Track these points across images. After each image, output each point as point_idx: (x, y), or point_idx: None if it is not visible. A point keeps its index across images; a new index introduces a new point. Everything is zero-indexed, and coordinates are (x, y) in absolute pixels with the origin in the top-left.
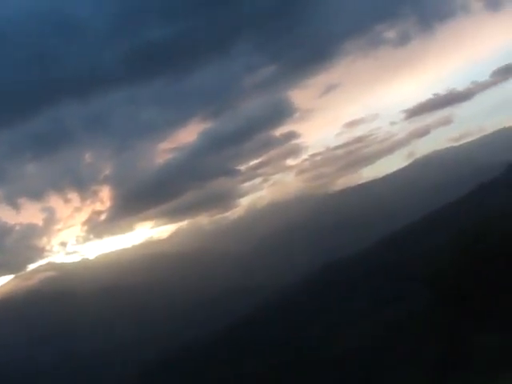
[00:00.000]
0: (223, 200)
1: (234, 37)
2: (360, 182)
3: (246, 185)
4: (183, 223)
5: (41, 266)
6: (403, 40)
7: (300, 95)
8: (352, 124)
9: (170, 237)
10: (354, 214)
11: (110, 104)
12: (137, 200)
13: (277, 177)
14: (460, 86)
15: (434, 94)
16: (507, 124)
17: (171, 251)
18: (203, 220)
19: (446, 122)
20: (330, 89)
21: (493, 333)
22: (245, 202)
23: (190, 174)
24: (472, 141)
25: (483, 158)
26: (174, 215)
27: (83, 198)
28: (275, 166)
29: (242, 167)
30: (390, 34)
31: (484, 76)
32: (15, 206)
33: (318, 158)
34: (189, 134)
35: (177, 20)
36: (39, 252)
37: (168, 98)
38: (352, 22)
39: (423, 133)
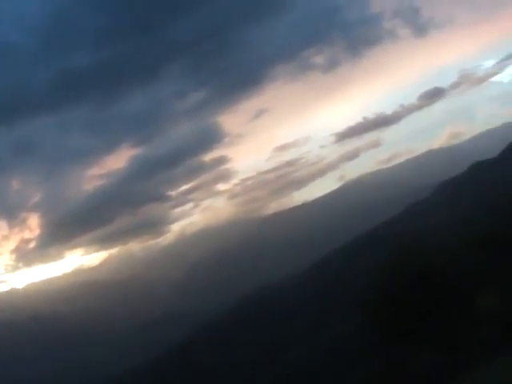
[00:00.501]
0: (154, 226)
1: (163, 62)
2: (292, 205)
3: (177, 210)
4: (114, 250)
5: None
6: (332, 65)
7: (230, 120)
8: (282, 148)
9: (102, 264)
10: (286, 237)
11: (38, 130)
12: (66, 227)
13: (208, 202)
14: (388, 109)
15: (363, 118)
16: (434, 146)
17: (103, 279)
18: (134, 246)
19: (375, 144)
20: (259, 113)
21: (425, 352)
22: (176, 228)
23: (120, 200)
24: (400, 163)
25: (412, 180)
26: (104, 242)
27: (11, 226)
28: (206, 191)
29: (173, 193)
30: (319, 58)
31: (411, 100)
32: None
33: (249, 182)
34: (118, 160)
35: (106, 45)
36: None
37: (97, 123)
38: (281, 47)
39: (353, 156)
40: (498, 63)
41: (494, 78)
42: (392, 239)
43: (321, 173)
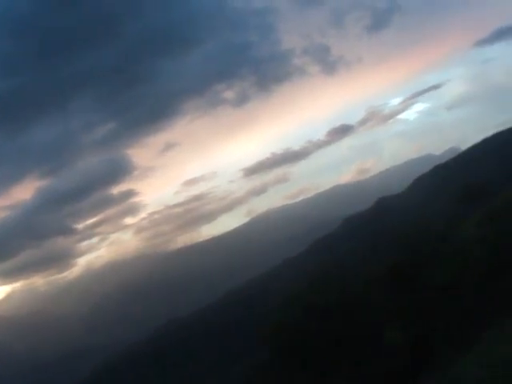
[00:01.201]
0: (60, 260)
1: (72, 93)
2: (200, 239)
3: (84, 244)
4: (18, 284)
5: None
6: (242, 100)
7: (139, 153)
8: (191, 182)
9: (4, 299)
10: (194, 271)
11: None
12: None
13: (115, 236)
14: (296, 145)
15: (272, 153)
16: (341, 181)
17: (5, 315)
18: (39, 281)
19: (283, 180)
20: (169, 147)
21: None
22: (82, 262)
23: (24, 233)
24: (308, 198)
25: (319, 215)
26: (7, 276)
27: None
28: (113, 224)
29: (80, 226)
30: (230, 93)
31: (319, 135)
32: None
33: (157, 216)
34: (24, 192)
35: (13, 75)
36: None
37: (2, 153)
38: (192, 82)
39: (261, 191)
40: (404, 101)
41: (401, 116)
42: (299, 274)
43: (229, 207)
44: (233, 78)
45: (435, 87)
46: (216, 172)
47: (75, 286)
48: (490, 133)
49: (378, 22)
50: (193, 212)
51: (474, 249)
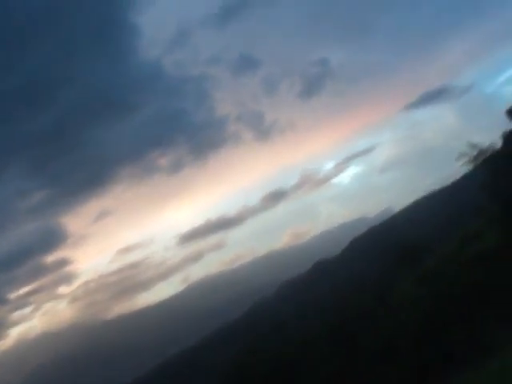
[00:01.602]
0: None
1: (7, 159)
2: (135, 308)
3: (16, 314)
4: None
5: None
6: (177, 167)
7: (74, 221)
8: (126, 250)
9: None
10: (130, 340)
11: None
12: None
13: (49, 305)
14: (231, 211)
15: (207, 219)
16: (277, 246)
17: None
18: None
19: (219, 246)
20: (104, 215)
21: None
22: (14, 333)
23: None
24: (244, 263)
25: (256, 280)
26: None
27: None
28: (47, 293)
29: (12, 295)
30: (165, 161)
31: (254, 201)
32: None
33: (92, 284)
34: None
35: None
36: None
37: None
38: (128, 149)
39: (197, 257)
40: (337, 165)
41: (334, 179)
42: (237, 339)
43: (165, 275)
44: (168, 144)
45: (367, 151)
46: (151, 239)
47: (7, 356)
48: (421, 194)
49: (310, 88)
50: (128, 280)
51: (409, 309)
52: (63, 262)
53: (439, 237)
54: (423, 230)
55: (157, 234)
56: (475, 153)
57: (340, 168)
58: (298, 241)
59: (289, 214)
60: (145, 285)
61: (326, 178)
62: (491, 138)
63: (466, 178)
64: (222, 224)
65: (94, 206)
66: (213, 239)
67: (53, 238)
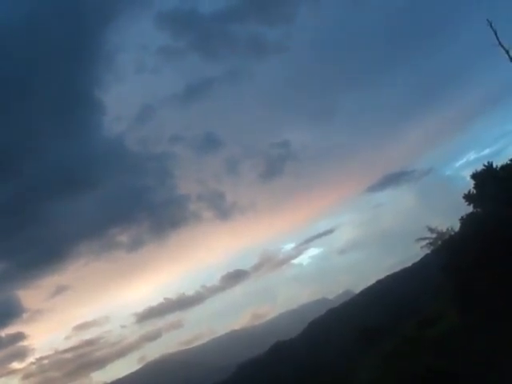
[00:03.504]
0: None
1: None
2: None
3: None
4: None
5: None
6: (136, 244)
7: (29, 296)
8: (82, 327)
9: None
10: None
11: None
12: None
13: (1, 381)
14: (190, 290)
15: (165, 298)
16: (236, 327)
17: None
18: None
19: (177, 325)
20: (60, 290)
21: None
22: None
23: None
24: (203, 344)
25: (214, 361)
26: None
27: None
28: None
29: None
30: (124, 237)
31: (213, 281)
32: None
33: (46, 361)
34: None
35: None
36: None
37: None
38: (87, 225)
39: (154, 336)
40: (297, 246)
41: (294, 260)
42: None
43: (121, 353)
44: (129, 221)
45: (328, 232)
46: (108, 317)
47: None
48: (381, 275)
49: (272, 169)
50: (84, 357)
51: None
52: (17, 337)
53: (399, 318)
54: (383, 311)
55: (114, 311)
56: (434, 236)
57: (300, 249)
58: (257, 321)
59: (248, 295)
60: (100, 363)
61: (287, 259)
62: (450, 221)
63: (425, 260)
64: (181, 303)
65: (51, 280)
66: (171, 318)
67: (8, 312)
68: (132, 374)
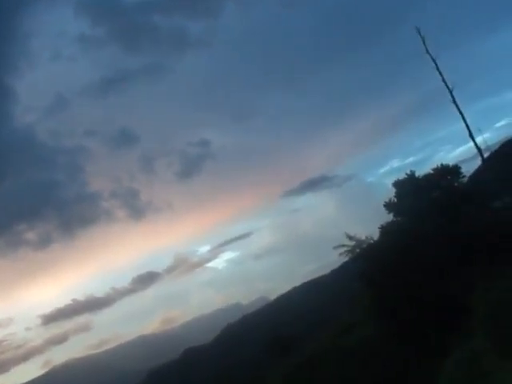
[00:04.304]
0: None
1: None
2: None
3: None
4: None
5: None
6: (43, 242)
7: None
8: None
9: None
10: None
11: None
12: None
13: None
14: (99, 292)
15: (73, 300)
16: (146, 331)
17: None
18: None
19: (85, 328)
20: None
21: None
22: None
23: None
24: (111, 348)
25: (123, 366)
26: None
27: None
28: None
29: None
30: (31, 235)
31: (124, 283)
32: None
33: None
34: None
35: None
36: None
37: None
38: None
39: (61, 339)
40: (212, 249)
41: (209, 264)
42: None
43: (25, 357)
44: (35, 218)
45: (244, 236)
46: (12, 318)
47: None
48: (297, 282)
49: (190, 168)
50: None
51: None
52: None
53: (315, 326)
54: (298, 318)
55: (18, 312)
56: (353, 243)
57: (215, 252)
58: (169, 326)
59: (160, 298)
60: (2, 367)
61: (201, 262)
62: (370, 229)
63: (343, 267)
64: (90, 305)
65: None
66: (79, 321)
67: None
68: (36, 379)
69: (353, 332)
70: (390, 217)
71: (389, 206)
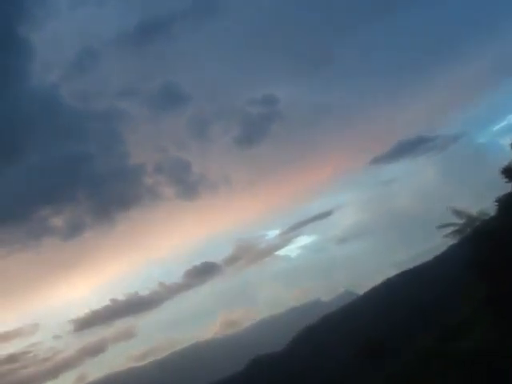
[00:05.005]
0: None
1: None
2: None
3: None
4: None
5: None
6: (74, 230)
7: None
8: (4, 338)
9: None
10: None
11: None
12: None
13: None
14: (145, 289)
15: (112, 300)
16: (204, 337)
17: None
18: None
19: (128, 335)
20: None
21: None
22: None
23: None
24: (160, 359)
25: (175, 381)
26: None
27: None
28: None
29: None
30: (58, 221)
31: (175, 277)
32: None
33: None
34: None
35: None
36: None
37: None
38: (9, 205)
39: (97, 350)
40: (283, 233)
41: (280, 252)
42: None
43: (54, 372)
44: (64, 200)
45: (324, 215)
46: (37, 324)
47: None
48: (391, 272)
49: (252, 133)
50: (5, 378)
51: None
52: None
53: (412, 328)
54: (392, 318)
55: (45, 317)
56: (462, 221)
57: (287, 237)
58: (231, 330)
59: (220, 295)
60: None
61: (270, 250)
62: (483, 203)
63: (450, 252)
64: (132, 306)
65: None
66: (119, 326)
67: None
68: None
69: (465, 335)
70: (509, 187)
71: (508, 172)
